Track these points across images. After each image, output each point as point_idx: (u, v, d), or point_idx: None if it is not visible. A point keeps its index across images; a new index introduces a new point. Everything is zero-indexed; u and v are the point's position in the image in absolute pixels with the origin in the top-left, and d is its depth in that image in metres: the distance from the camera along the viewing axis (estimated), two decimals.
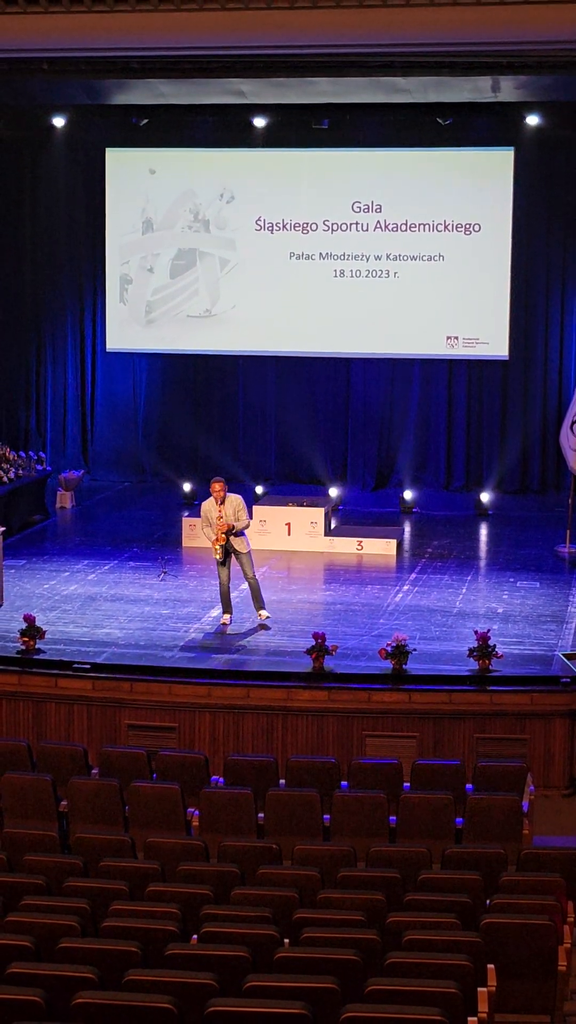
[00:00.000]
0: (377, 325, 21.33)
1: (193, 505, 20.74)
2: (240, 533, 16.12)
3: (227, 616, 16.49)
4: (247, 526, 16.38)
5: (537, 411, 21.71)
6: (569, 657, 15.34)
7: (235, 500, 16.20)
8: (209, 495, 16.26)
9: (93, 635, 16.14)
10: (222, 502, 16.06)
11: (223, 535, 15.97)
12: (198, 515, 19.07)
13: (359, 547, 19.57)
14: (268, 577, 17.08)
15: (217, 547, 16.15)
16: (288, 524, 19.12)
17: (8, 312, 22.71)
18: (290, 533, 19.16)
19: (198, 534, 17.74)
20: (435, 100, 19.38)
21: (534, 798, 13.00)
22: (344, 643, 15.14)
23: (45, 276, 23.04)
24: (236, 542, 16.09)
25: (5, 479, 20.62)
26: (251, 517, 16.69)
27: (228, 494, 16.19)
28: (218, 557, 16.27)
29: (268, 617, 16.41)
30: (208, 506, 16.20)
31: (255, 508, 18.70)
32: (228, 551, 16.13)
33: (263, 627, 16.32)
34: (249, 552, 16.30)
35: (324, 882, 10.05)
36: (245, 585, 16.56)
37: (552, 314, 21.74)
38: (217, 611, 16.82)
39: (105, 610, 17.16)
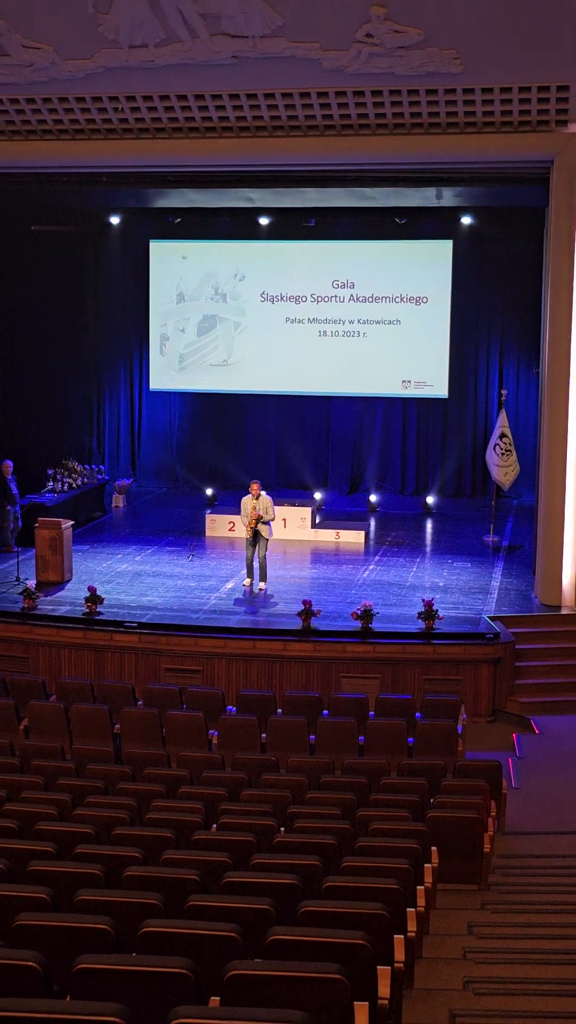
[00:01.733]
0: (350, 372, 21.31)
1: (214, 505, 20.86)
2: (267, 523, 16.54)
3: (249, 580, 16.79)
4: (272, 519, 16.74)
5: (468, 436, 21.77)
6: (492, 619, 15.34)
7: (266, 499, 16.69)
8: (247, 493, 16.73)
9: (139, 601, 16.20)
10: (257, 498, 16.52)
11: (254, 521, 16.38)
12: (219, 513, 19.39)
13: (337, 537, 19.62)
14: (269, 559, 17.05)
15: (249, 530, 16.54)
16: (284, 519, 19.14)
17: (77, 362, 22.74)
18: (286, 526, 19.19)
19: (229, 524, 18.28)
20: (394, 204, 19.40)
21: (466, 724, 13.03)
22: (325, 608, 15.18)
23: (104, 335, 23.06)
24: (262, 529, 16.54)
25: (75, 485, 20.85)
26: (272, 515, 16.83)
27: (262, 493, 16.64)
28: (248, 537, 16.63)
29: (264, 589, 16.61)
30: (247, 500, 16.66)
31: None
32: (256, 534, 16.41)
33: (257, 591, 16.59)
34: (269, 539, 16.70)
35: (310, 785, 10.14)
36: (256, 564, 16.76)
37: (479, 364, 21.85)
38: (231, 584, 17.06)
39: (148, 583, 17.21)
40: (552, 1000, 6.77)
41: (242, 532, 17.00)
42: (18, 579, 16.87)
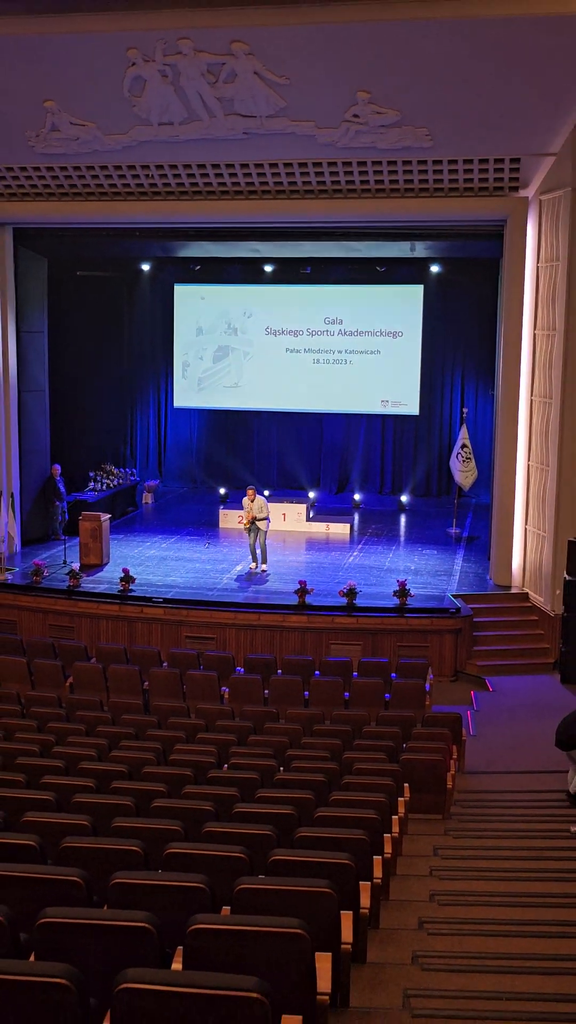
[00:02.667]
0: (338, 393, 21.28)
1: (226, 502, 20.77)
2: (263, 519, 16.56)
3: (253, 564, 16.79)
4: (266, 517, 16.65)
5: (435, 446, 21.74)
6: (455, 596, 15.33)
7: (260, 500, 16.77)
8: (245, 495, 16.93)
9: (164, 581, 16.18)
10: (252, 500, 16.58)
11: (249, 520, 16.52)
12: (230, 508, 19.47)
13: (327, 528, 19.56)
14: (271, 546, 17.11)
15: (245, 524, 16.67)
16: (284, 514, 19.13)
17: (114, 384, 22.71)
18: (285, 519, 19.16)
19: (238, 518, 18.20)
20: (375, 255, 19.33)
21: (432, 683, 13.06)
22: (317, 587, 15.15)
23: (137, 362, 22.99)
24: (260, 523, 16.54)
25: (111, 485, 20.90)
26: (267, 514, 16.79)
27: (257, 496, 16.75)
28: (245, 528, 16.72)
29: (265, 570, 16.62)
30: (245, 501, 16.79)
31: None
32: (255, 525, 16.47)
33: (258, 573, 16.58)
34: (266, 531, 16.71)
35: (304, 733, 10.16)
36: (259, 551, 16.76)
37: (445, 387, 21.81)
38: (240, 567, 17.02)
39: (171, 566, 17.19)
40: (505, 910, 6.79)
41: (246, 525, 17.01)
42: (65, 562, 16.89)
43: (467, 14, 12.25)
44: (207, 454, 23.17)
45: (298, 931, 3.81)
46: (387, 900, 6.67)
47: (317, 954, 3.95)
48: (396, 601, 14.66)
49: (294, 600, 14.82)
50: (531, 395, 15.71)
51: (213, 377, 22.09)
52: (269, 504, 17.12)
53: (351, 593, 14.67)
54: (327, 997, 4.02)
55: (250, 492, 16.83)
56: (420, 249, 18.60)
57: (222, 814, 6.68)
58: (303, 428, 22.34)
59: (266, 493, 18.41)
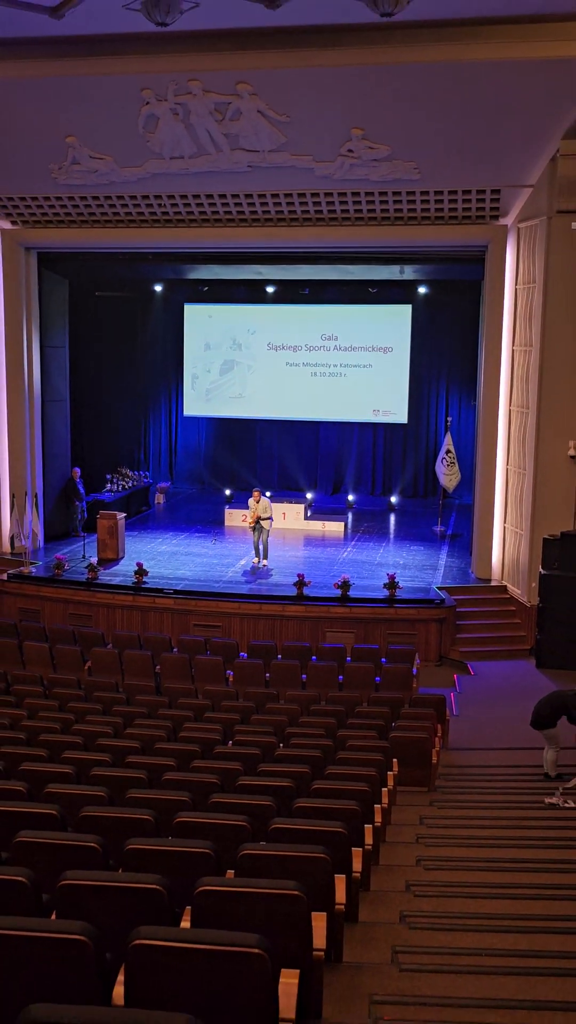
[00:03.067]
0: (334, 403, 21.29)
1: (231, 502, 20.74)
2: (268, 518, 16.55)
3: (256, 559, 16.72)
4: (269, 517, 16.61)
5: (422, 452, 21.74)
6: (439, 588, 15.34)
7: (265, 501, 16.77)
8: (251, 497, 16.97)
9: (174, 574, 16.18)
10: (258, 501, 16.57)
11: (254, 519, 16.47)
12: (236, 508, 19.45)
13: (323, 526, 19.55)
14: (273, 543, 17.09)
15: (250, 523, 16.65)
16: (284, 513, 19.13)
17: (129, 394, 22.73)
18: (285, 518, 19.15)
19: (242, 517, 18.25)
20: (368, 278, 19.31)
21: (419, 667, 13.08)
22: (314, 579, 15.18)
23: (149, 375, 22.98)
24: (263, 523, 16.50)
25: (127, 487, 20.85)
26: (270, 513, 16.77)
27: (262, 497, 16.78)
28: (250, 526, 16.69)
29: (267, 565, 16.57)
30: (251, 501, 16.76)
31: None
32: (259, 524, 16.45)
33: (261, 567, 16.47)
34: (269, 529, 16.67)
35: (302, 712, 10.17)
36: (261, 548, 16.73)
37: (431, 398, 21.80)
38: (243, 562, 16.95)
39: (181, 560, 17.19)
40: (484, 874, 6.80)
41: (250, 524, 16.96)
42: (84, 557, 16.89)
43: (451, 59, 12.24)
44: (214, 458, 23.16)
45: (296, 893, 3.81)
46: (377, 865, 6.68)
47: (313, 914, 3.95)
48: (386, 593, 14.67)
49: (293, 592, 14.83)
50: (509, 405, 15.71)
51: (219, 388, 22.09)
52: (271, 505, 17.11)
53: (345, 585, 14.68)
54: (322, 953, 4.02)
55: (255, 494, 16.84)
56: (408, 272, 18.60)
57: (227, 786, 6.69)
58: (301, 435, 22.33)
59: (268, 494, 18.37)
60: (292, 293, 20.81)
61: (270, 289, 20.84)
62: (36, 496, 17.70)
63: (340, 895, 4.76)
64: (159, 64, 13.07)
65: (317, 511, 20.63)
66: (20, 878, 3.92)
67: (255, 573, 16.27)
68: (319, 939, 4.00)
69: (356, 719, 9.87)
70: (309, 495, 21.41)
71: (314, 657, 12.65)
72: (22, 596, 15.86)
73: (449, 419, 19.96)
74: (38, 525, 17.70)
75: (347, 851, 5.38)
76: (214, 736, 8.66)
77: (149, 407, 23.22)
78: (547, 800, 8.97)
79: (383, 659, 12.57)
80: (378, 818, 6.93)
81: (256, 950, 3.08)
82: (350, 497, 21.85)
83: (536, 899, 6.24)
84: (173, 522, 20.47)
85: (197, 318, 22.06)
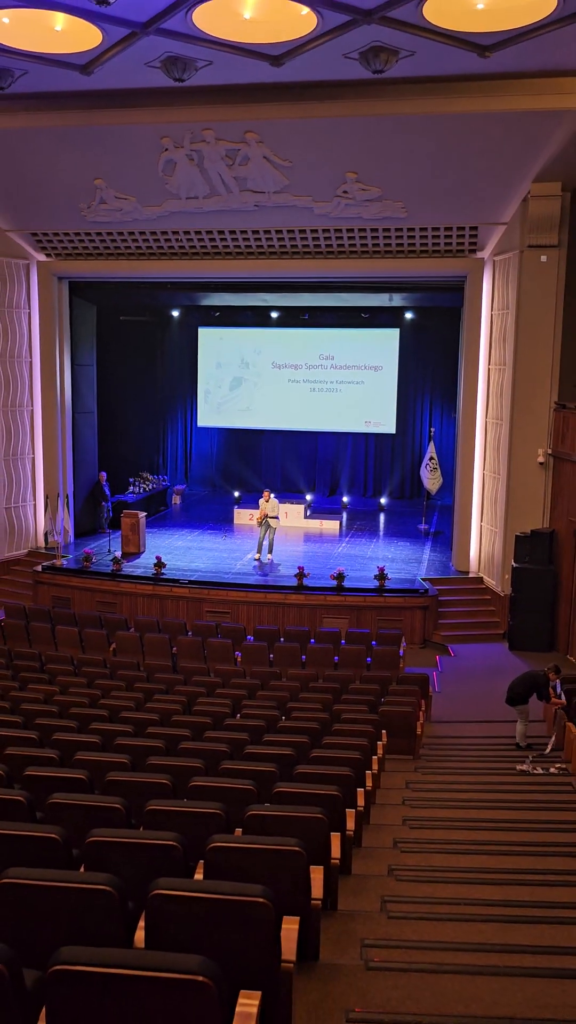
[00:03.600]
0: (330, 415, 21.28)
1: (239, 503, 20.69)
2: (275, 517, 16.47)
3: (259, 555, 16.54)
4: (276, 516, 16.55)
5: (408, 458, 21.71)
6: (424, 579, 15.32)
7: (274, 501, 16.68)
8: (262, 496, 16.89)
9: (189, 566, 16.11)
10: (267, 501, 16.50)
11: (262, 517, 16.38)
12: (243, 508, 19.44)
13: (320, 525, 19.52)
14: (276, 539, 16.99)
15: (258, 520, 16.55)
16: (286, 512, 19.04)
17: (150, 408, 22.69)
18: (287, 517, 19.06)
19: (250, 516, 18.17)
20: (360, 304, 19.32)
21: (405, 649, 13.05)
22: (313, 571, 15.14)
23: (167, 390, 22.96)
24: (271, 521, 16.41)
25: (147, 489, 20.78)
26: (278, 512, 16.75)
27: (272, 498, 16.68)
28: (258, 523, 16.60)
29: (271, 559, 16.44)
30: (261, 501, 16.66)
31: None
32: (266, 522, 16.36)
33: (266, 561, 16.31)
34: (275, 527, 16.56)
35: (302, 689, 10.13)
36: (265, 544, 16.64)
37: (416, 411, 21.75)
38: (250, 555, 16.90)
39: (195, 554, 17.12)
40: (463, 832, 6.80)
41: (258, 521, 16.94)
42: (109, 551, 16.87)
43: (434, 111, 12.23)
44: (224, 464, 23.14)
45: (296, 849, 3.81)
46: (368, 824, 6.68)
47: (311, 867, 3.95)
48: (376, 583, 14.65)
49: (294, 582, 14.81)
50: (486, 417, 15.69)
51: (229, 402, 22.07)
52: (279, 505, 17.06)
53: (340, 577, 14.66)
54: (319, 902, 4.01)
55: (266, 494, 16.77)
56: (396, 299, 18.61)
57: (235, 754, 6.68)
58: (301, 443, 22.31)
59: (274, 496, 18.41)
60: (293, 318, 20.82)
61: (274, 314, 20.86)
62: (67, 497, 17.71)
63: (335, 851, 4.75)
64: (177, 115, 13.07)
65: (315, 511, 20.61)
66: (53, 835, 3.92)
67: (261, 567, 16.23)
68: (317, 890, 4.00)
69: (349, 695, 9.86)
70: (308, 496, 21.38)
71: (312, 640, 12.64)
72: (55, 586, 15.86)
73: (432, 429, 19.92)
74: (69, 523, 17.71)
75: (342, 812, 5.37)
76: (224, 710, 8.64)
77: (167, 418, 23.20)
78: (518, 767, 8.97)
79: (373, 642, 12.55)
80: (369, 783, 6.92)
81: (261, 899, 3.08)
82: (344, 498, 21.83)
83: (509, 855, 6.24)
84: (188, 520, 20.44)
85: (209, 340, 22.05)
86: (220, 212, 14.94)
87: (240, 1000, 2.83)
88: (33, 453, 17.72)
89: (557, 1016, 3.69)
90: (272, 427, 21.96)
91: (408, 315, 20.27)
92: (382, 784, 8.00)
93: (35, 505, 17.81)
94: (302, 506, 19.86)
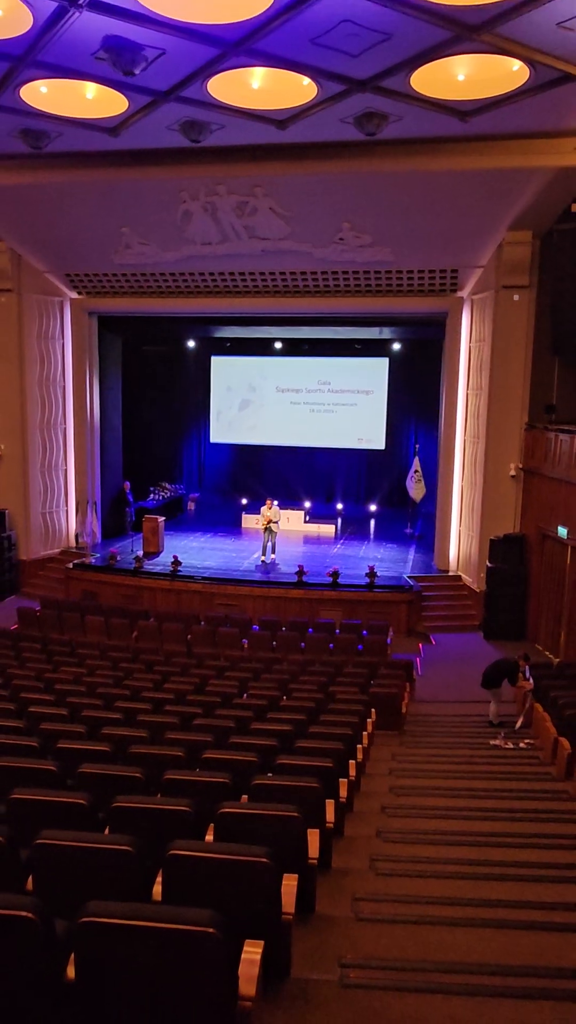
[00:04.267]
0: (327, 433, 21.22)
1: (247, 510, 20.63)
2: (275, 522, 16.30)
3: (263, 557, 16.39)
4: (276, 521, 16.40)
5: (396, 471, 21.61)
6: (409, 577, 15.28)
7: (275, 509, 16.52)
8: (264, 504, 16.74)
9: (202, 564, 16.06)
10: (270, 508, 16.36)
11: (266, 522, 16.24)
12: (250, 514, 19.30)
13: (318, 529, 19.45)
14: (278, 542, 16.89)
15: (263, 525, 16.39)
16: (288, 518, 18.96)
17: (168, 426, 22.62)
18: (288, 521, 18.98)
19: (256, 520, 18.00)
20: (354, 337, 19.34)
21: (392, 637, 12.99)
22: (311, 570, 15.09)
23: (184, 411, 22.84)
24: (272, 526, 16.25)
25: (166, 496, 20.78)
26: (279, 518, 16.62)
27: (274, 506, 16.53)
28: (262, 528, 16.43)
29: (274, 558, 16.31)
30: (264, 508, 16.53)
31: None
32: (269, 527, 16.23)
33: (269, 561, 16.16)
34: (276, 531, 16.40)
35: (301, 672, 10.11)
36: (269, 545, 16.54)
37: (403, 430, 21.64)
38: (256, 555, 16.81)
39: (207, 553, 17.07)
40: (441, 799, 6.76)
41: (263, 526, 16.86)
42: (132, 550, 16.84)
43: (419, 168, 12.24)
44: (233, 475, 23.07)
45: (295, 814, 3.78)
46: (358, 791, 6.64)
47: (309, 830, 3.93)
48: (367, 580, 14.61)
49: (294, 579, 14.77)
50: (464, 435, 15.68)
51: (238, 421, 22.06)
52: (280, 511, 17.02)
53: (335, 574, 14.62)
54: (315, 861, 3.99)
55: (268, 502, 16.66)
56: (386, 332, 18.62)
57: (242, 729, 6.65)
58: (301, 457, 22.25)
59: (276, 503, 18.38)
60: (295, 348, 20.81)
61: (278, 345, 20.83)
62: (95, 503, 17.72)
63: (329, 815, 4.73)
64: (193, 172, 13.11)
65: (313, 516, 20.56)
66: (81, 801, 3.89)
67: (266, 566, 16.17)
68: (313, 850, 3.98)
69: (343, 678, 9.83)
70: (307, 504, 21.31)
71: (310, 629, 12.62)
72: (84, 580, 15.84)
73: (417, 445, 19.91)
74: (97, 526, 17.71)
75: (335, 781, 5.35)
76: (232, 690, 8.62)
77: (183, 435, 23.17)
78: (491, 742, 8.93)
79: (364, 631, 12.53)
80: (359, 755, 6.89)
81: (264, 859, 3.06)
82: (339, 506, 21.74)
83: (482, 820, 6.20)
84: (201, 524, 20.39)
85: (221, 367, 22.04)
86: (231, 256, 14.96)
87: (245, 948, 2.80)
88: (66, 465, 17.73)
89: (526, 962, 3.67)
90: (276, 443, 21.92)
91: (396, 346, 20.26)
92: (371, 756, 7.97)
93: (67, 510, 17.81)
94: (302, 512, 19.80)
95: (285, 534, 18.50)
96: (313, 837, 4.05)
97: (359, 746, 6.98)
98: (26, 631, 12.64)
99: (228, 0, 7.87)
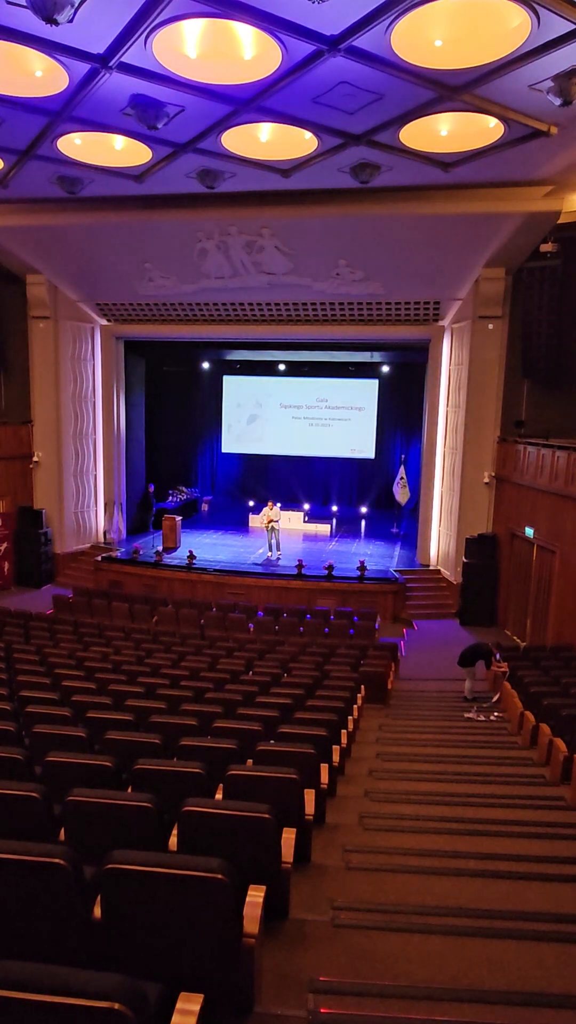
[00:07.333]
0: (324, 444, 21.15)
1: (253, 510, 20.62)
2: (276, 520, 16.19)
3: (269, 553, 16.31)
4: (277, 519, 16.31)
5: (384, 477, 21.57)
6: (395, 570, 15.23)
7: (276, 509, 16.43)
8: (266, 505, 16.68)
9: (214, 558, 15.99)
10: (271, 509, 16.29)
11: (268, 522, 16.15)
12: (257, 514, 19.16)
13: (315, 528, 19.43)
14: (281, 539, 16.86)
15: (265, 524, 16.28)
16: (289, 518, 19.00)
17: (185, 437, 22.57)
18: (290, 521, 19.03)
19: (260, 520, 17.86)
20: (348, 360, 19.29)
21: (379, 623, 12.97)
22: (309, 563, 15.05)
23: (200, 424, 22.78)
24: (274, 524, 16.15)
25: (183, 499, 20.67)
26: (279, 518, 16.54)
27: (276, 507, 16.46)
28: (266, 527, 16.31)
29: (280, 555, 16.22)
30: (265, 510, 16.47)
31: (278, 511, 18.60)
32: (271, 526, 16.14)
33: (272, 557, 16.07)
34: (278, 529, 16.31)
35: (300, 653, 10.08)
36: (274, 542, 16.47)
37: (391, 442, 21.60)
38: (261, 551, 16.77)
39: (219, 549, 17.00)
40: (422, 764, 6.75)
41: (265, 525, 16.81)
42: (153, 546, 16.84)
43: (407, 212, 12.26)
44: (242, 480, 23.01)
45: (294, 776, 3.79)
46: (349, 757, 6.64)
47: (305, 790, 3.93)
48: (358, 573, 14.59)
49: (295, 572, 14.76)
50: (444, 447, 15.66)
51: (246, 433, 22.01)
52: (280, 511, 17.00)
53: (330, 568, 14.60)
54: (311, 817, 3.99)
55: (270, 504, 16.67)
56: (376, 356, 18.58)
57: (248, 702, 6.65)
58: (301, 465, 22.20)
59: (278, 505, 18.34)
60: (297, 369, 20.75)
61: (282, 367, 20.78)
62: (122, 504, 17.72)
63: (324, 778, 4.73)
64: (208, 215, 13.13)
65: (311, 517, 20.53)
66: (107, 763, 3.90)
67: (270, 561, 16.10)
68: (309, 808, 3.98)
69: (336, 658, 9.84)
70: (306, 506, 21.28)
71: (308, 616, 12.63)
72: (111, 572, 15.84)
73: (403, 456, 19.89)
74: (123, 524, 17.72)
75: (329, 748, 5.35)
76: (239, 668, 8.63)
77: (198, 445, 23.14)
78: (465, 715, 8.93)
79: (355, 618, 12.53)
80: (350, 726, 6.89)
81: (267, 815, 3.07)
82: (334, 508, 21.66)
83: (456, 782, 6.20)
84: (213, 523, 20.36)
85: (232, 386, 22.01)
86: (241, 288, 14.97)
87: (250, 892, 2.81)
88: (96, 471, 17.73)
89: (494, 906, 3.68)
90: (279, 453, 21.89)
91: (385, 368, 20.22)
92: (360, 727, 7.97)
93: (97, 510, 17.81)
94: (301, 513, 19.79)
95: (286, 532, 18.46)
96: (309, 796, 4.06)
97: (350, 718, 6.99)
98: (60, 615, 12.66)
99: (240, 63, 7.89)
